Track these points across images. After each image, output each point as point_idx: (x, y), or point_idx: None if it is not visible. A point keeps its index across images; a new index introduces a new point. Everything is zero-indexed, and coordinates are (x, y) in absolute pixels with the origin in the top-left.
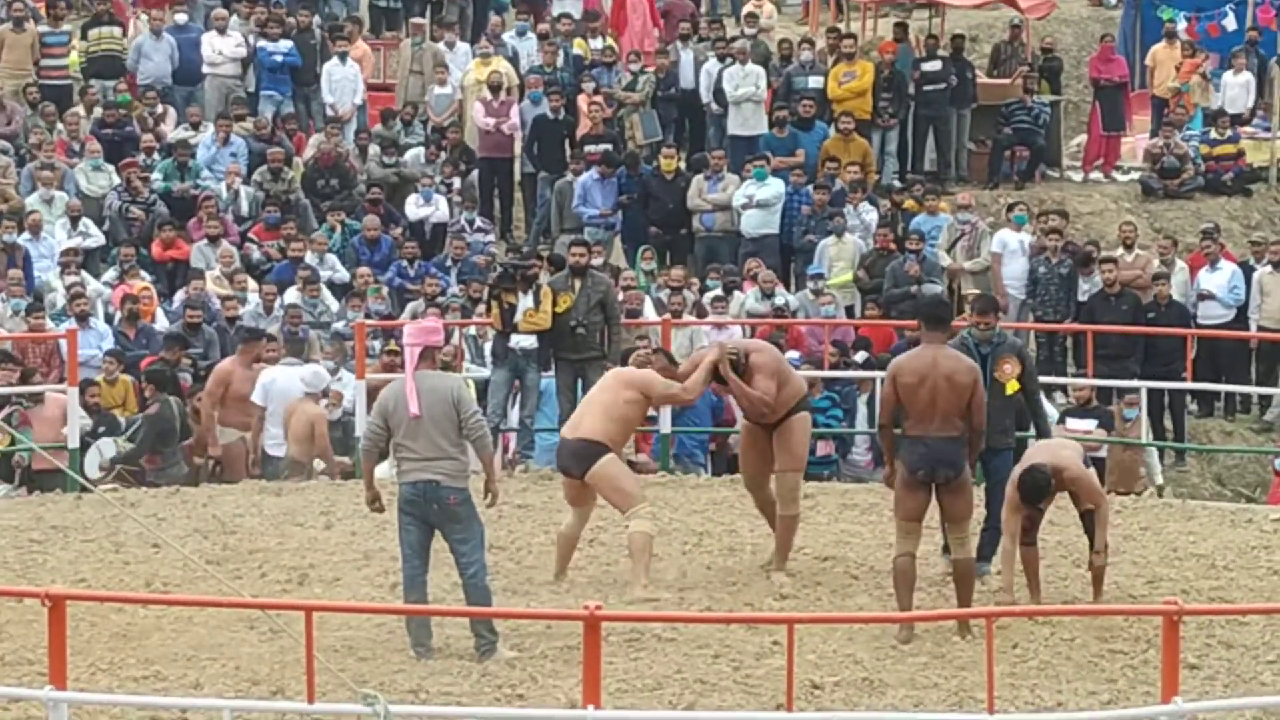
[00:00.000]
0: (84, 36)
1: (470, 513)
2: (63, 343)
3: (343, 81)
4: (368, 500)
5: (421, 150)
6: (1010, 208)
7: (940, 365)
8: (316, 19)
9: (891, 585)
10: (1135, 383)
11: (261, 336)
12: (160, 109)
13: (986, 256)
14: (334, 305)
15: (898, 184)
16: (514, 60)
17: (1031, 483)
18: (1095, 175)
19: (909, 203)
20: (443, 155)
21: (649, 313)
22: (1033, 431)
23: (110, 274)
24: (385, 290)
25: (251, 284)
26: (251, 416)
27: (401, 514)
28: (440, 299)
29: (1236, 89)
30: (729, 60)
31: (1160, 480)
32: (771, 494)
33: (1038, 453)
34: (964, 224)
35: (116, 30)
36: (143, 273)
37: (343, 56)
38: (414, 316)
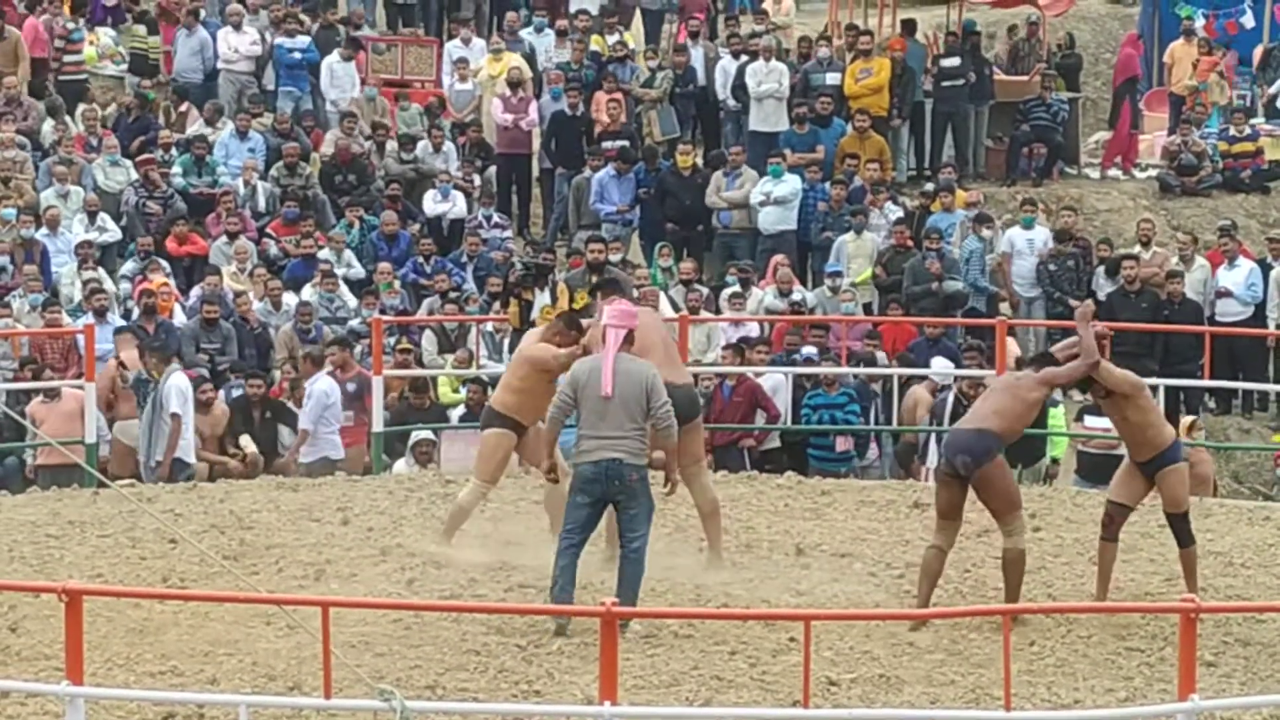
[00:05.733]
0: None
1: (645, 490)
2: (80, 338)
3: (344, 77)
4: (546, 469)
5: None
6: (1021, 205)
7: None
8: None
9: (909, 581)
10: (1153, 380)
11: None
12: (183, 105)
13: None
14: (352, 302)
15: (930, 186)
16: (530, 56)
17: None
18: (1113, 172)
19: (936, 204)
20: (448, 145)
21: (665, 309)
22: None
23: (129, 266)
24: (398, 285)
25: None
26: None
27: (577, 493)
28: (454, 294)
29: None
30: (745, 57)
31: None
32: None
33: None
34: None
35: (143, 29)
36: (163, 263)
37: (352, 44)
38: (430, 313)
